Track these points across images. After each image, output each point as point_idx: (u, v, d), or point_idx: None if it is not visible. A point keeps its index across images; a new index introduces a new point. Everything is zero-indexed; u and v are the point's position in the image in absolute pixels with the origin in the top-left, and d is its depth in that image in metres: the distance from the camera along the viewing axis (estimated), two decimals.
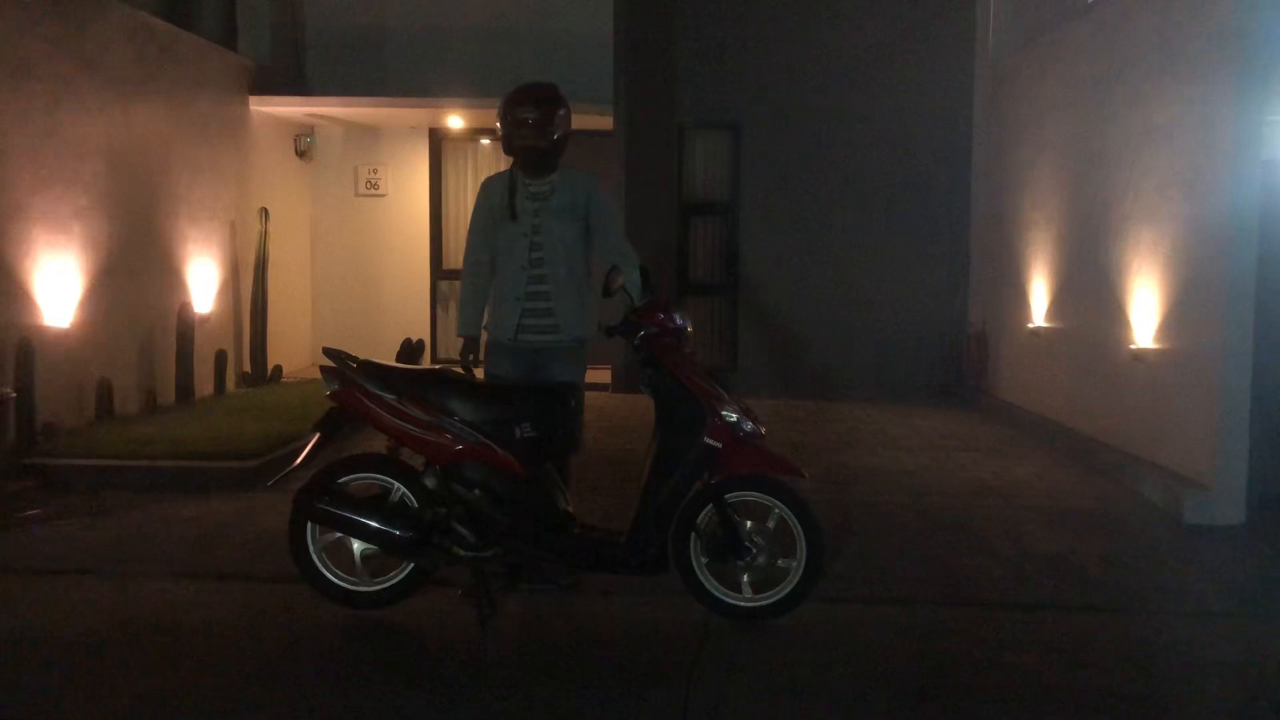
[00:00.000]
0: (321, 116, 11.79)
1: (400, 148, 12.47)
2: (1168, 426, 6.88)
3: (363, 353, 4.66)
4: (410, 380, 4.51)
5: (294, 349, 11.78)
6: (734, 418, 4.35)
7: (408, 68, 11.80)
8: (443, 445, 4.40)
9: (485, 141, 12.43)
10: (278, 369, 10.79)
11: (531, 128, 4.77)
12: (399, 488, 4.52)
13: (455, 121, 11.93)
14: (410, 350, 9.83)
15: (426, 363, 11.43)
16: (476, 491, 4.40)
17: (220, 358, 9.77)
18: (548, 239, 4.82)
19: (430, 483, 4.44)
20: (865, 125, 11.36)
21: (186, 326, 9.16)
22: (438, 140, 12.46)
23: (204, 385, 9.53)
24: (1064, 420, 8.58)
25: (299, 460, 4.59)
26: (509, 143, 4.86)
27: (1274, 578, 5.37)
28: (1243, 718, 3.77)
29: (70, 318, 7.89)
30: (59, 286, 7.79)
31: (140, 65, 8.90)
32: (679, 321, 4.46)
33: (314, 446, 4.57)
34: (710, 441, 4.33)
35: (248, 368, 10.56)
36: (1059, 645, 4.35)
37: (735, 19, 11.40)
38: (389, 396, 4.43)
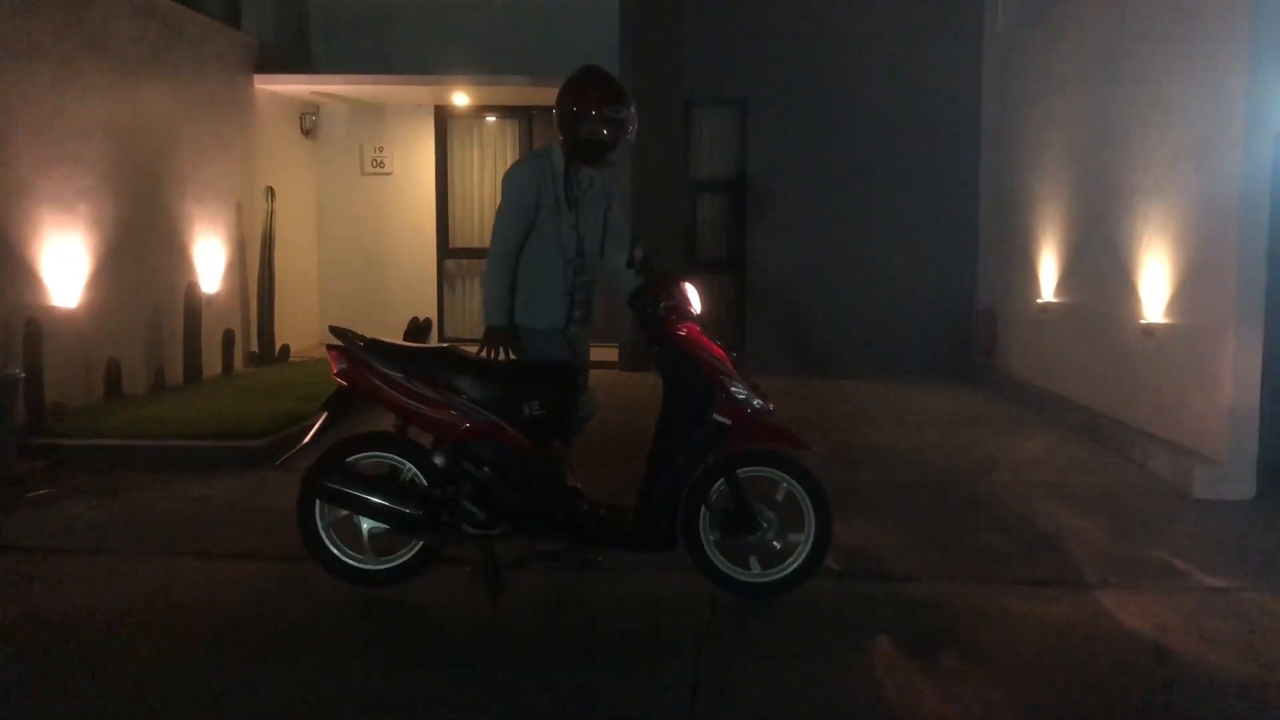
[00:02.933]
0: (326, 94, 11.74)
1: (405, 126, 12.43)
2: (1177, 401, 6.85)
3: (370, 331, 4.65)
4: (418, 358, 4.50)
5: (301, 328, 11.78)
6: (742, 394, 4.34)
7: (412, 45, 11.72)
8: (451, 423, 4.39)
9: (491, 119, 12.38)
10: (285, 348, 10.80)
11: (619, 127, 4.62)
12: (407, 466, 4.52)
13: (460, 99, 11.88)
14: (417, 328, 9.84)
15: (434, 341, 11.43)
16: (485, 469, 4.40)
17: (228, 337, 9.78)
18: (589, 231, 4.80)
19: (439, 460, 4.43)
20: (872, 101, 11.29)
21: (194, 306, 9.17)
22: (443, 118, 12.40)
23: (212, 365, 9.55)
24: (1073, 396, 8.55)
25: (307, 439, 4.59)
26: (576, 131, 4.62)
27: None
28: (1254, 693, 3.76)
29: (77, 298, 7.89)
30: (66, 267, 7.79)
31: (144, 44, 8.87)
32: (693, 298, 4.48)
33: (322, 425, 4.57)
34: (719, 418, 4.33)
35: (255, 347, 10.58)
36: (1068, 621, 4.35)
37: None
38: (397, 375, 4.42)
